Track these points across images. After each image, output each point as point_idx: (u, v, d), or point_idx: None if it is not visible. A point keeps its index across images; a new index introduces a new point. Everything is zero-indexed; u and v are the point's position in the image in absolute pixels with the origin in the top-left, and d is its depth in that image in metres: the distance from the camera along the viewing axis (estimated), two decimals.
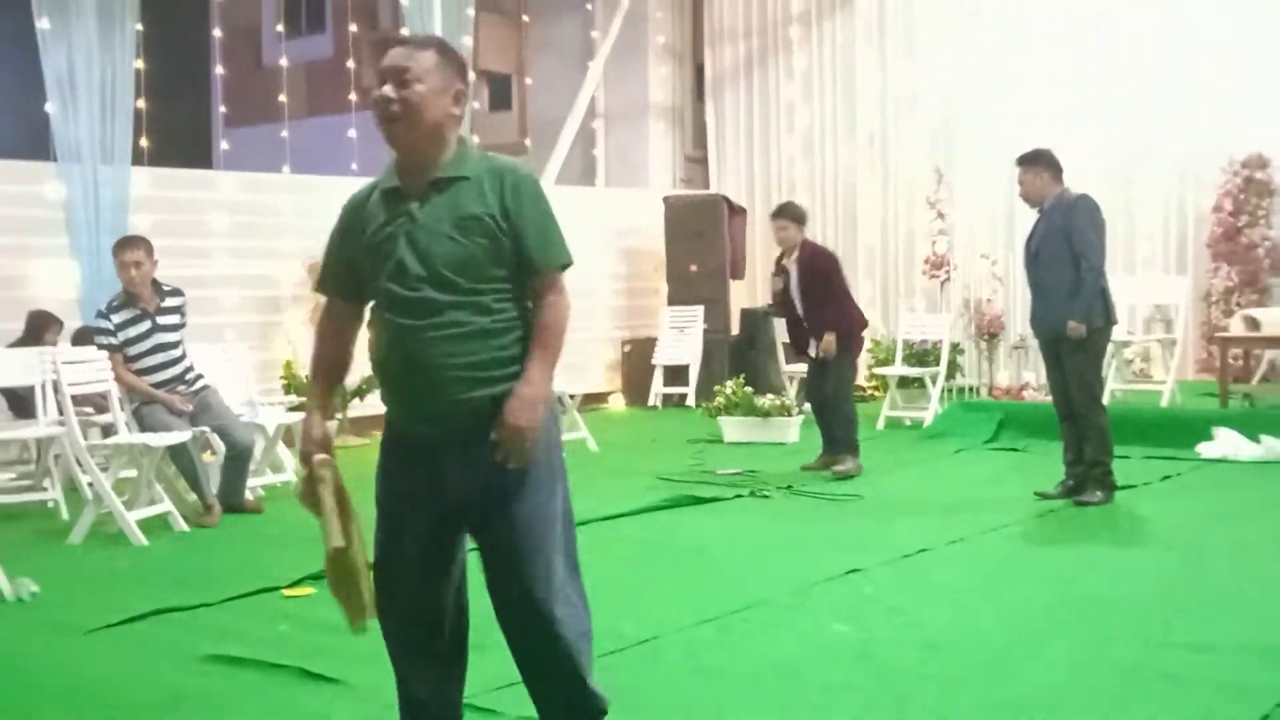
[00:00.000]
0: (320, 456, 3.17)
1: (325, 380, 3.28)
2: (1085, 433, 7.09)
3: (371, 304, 3.12)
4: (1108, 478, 7.10)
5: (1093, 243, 6.92)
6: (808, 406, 10.86)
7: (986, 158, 12.11)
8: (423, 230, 2.98)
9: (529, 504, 3.07)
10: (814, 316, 8.35)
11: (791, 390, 10.84)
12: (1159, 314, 10.64)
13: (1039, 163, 7.11)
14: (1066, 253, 6.91)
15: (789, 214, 8.58)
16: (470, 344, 2.97)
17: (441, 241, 2.97)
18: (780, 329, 11.98)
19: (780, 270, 8.55)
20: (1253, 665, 4.14)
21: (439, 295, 2.95)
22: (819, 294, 8.32)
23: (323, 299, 3.28)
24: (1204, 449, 8.63)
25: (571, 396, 10.09)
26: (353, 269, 3.13)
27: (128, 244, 7.32)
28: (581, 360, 12.35)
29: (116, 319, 7.17)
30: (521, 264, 3.04)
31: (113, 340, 7.15)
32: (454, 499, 3.06)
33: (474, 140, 3.14)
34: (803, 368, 11.37)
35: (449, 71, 3.05)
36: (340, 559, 3.08)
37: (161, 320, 7.23)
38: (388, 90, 2.99)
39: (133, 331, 7.17)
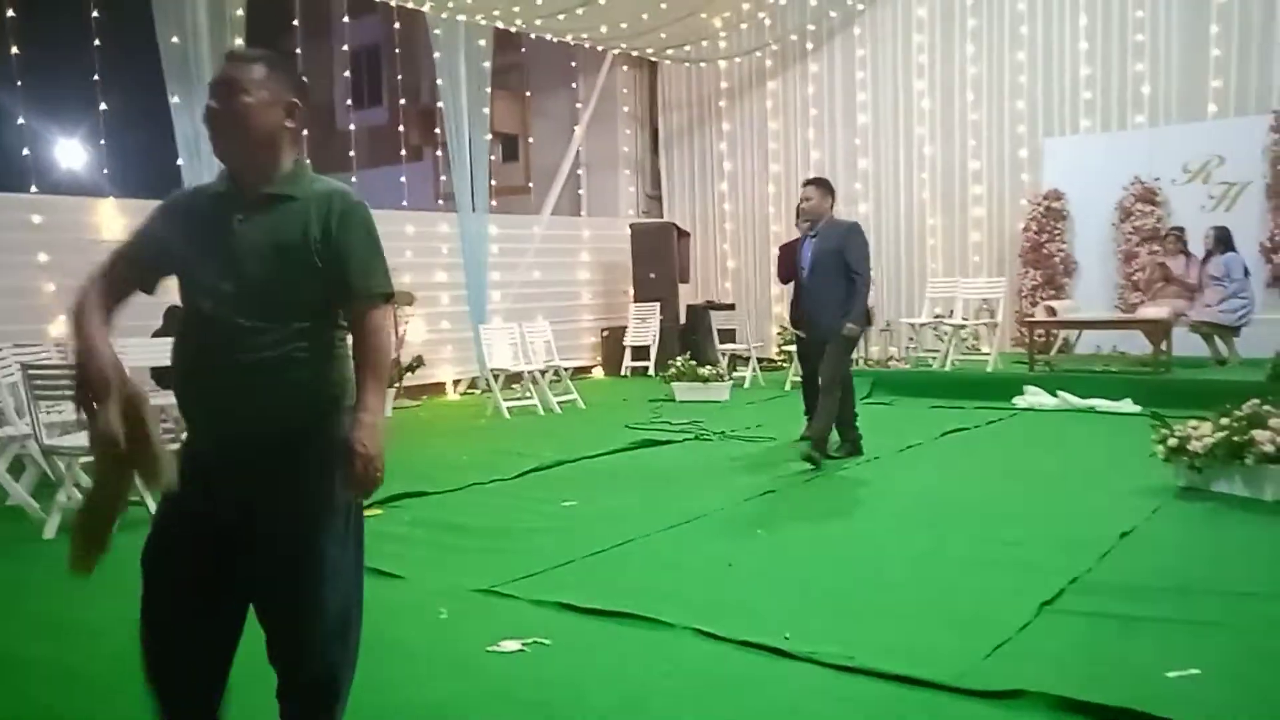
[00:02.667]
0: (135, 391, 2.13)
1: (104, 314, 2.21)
2: (827, 405, 6.37)
3: (181, 314, 2.29)
4: (854, 436, 6.59)
5: (865, 263, 6.27)
6: (738, 373, 10.94)
7: (859, 195, 12.23)
8: (241, 248, 2.17)
9: (305, 540, 2.19)
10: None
11: (724, 363, 10.81)
12: (985, 305, 10.71)
13: (824, 185, 6.41)
14: (840, 268, 6.21)
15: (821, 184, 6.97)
16: (276, 369, 2.15)
17: (257, 262, 2.16)
18: (715, 318, 12.05)
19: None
20: (1053, 554, 4.18)
21: (247, 318, 2.14)
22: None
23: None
24: (1018, 401, 8.71)
25: (566, 368, 10.09)
26: (153, 260, 2.27)
27: None
28: (572, 343, 12.34)
29: None
30: (341, 291, 2.22)
31: None
32: (231, 523, 2.19)
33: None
34: (732, 346, 11.47)
35: (279, 84, 2.24)
36: (102, 501, 2.25)
37: None
38: (212, 103, 2.20)
39: None
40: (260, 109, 2.20)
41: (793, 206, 12.86)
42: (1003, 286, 10.55)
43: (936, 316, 10.75)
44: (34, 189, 8.56)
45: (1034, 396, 8.68)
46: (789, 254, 7.24)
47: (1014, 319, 10.87)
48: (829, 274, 6.28)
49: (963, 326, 10.46)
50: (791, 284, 7.31)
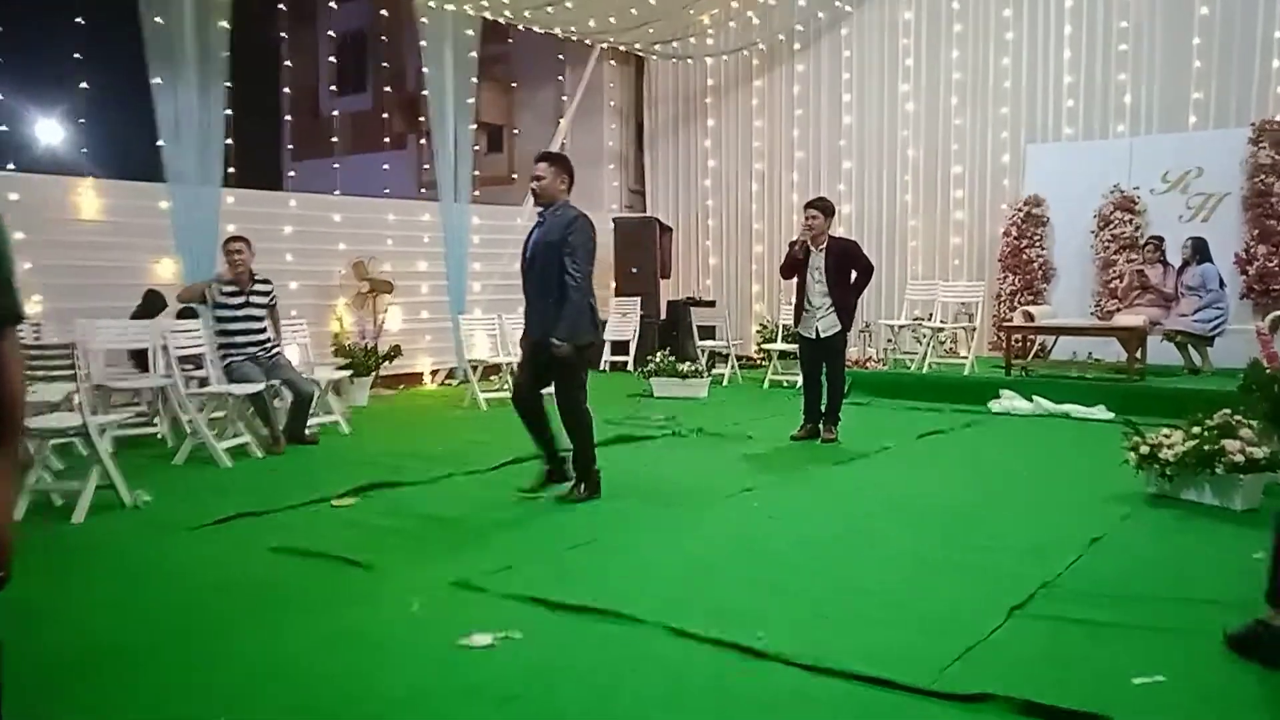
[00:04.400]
0: None
1: None
2: (570, 435, 5.40)
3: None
4: (593, 476, 5.45)
5: (584, 263, 5.19)
6: (717, 370, 10.93)
7: (843, 196, 12.23)
8: None
9: None
10: (837, 297, 7.12)
11: (703, 360, 10.83)
12: (964, 308, 10.78)
13: (560, 164, 5.37)
14: (558, 266, 5.17)
15: (820, 206, 7.13)
16: None
17: None
18: (696, 315, 12.04)
19: (804, 251, 7.12)
20: (1023, 559, 4.21)
21: None
22: (844, 279, 7.13)
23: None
24: (993, 405, 8.76)
25: None
26: None
27: (235, 239, 7.30)
28: None
29: (225, 289, 7.13)
30: None
31: (215, 289, 7.15)
32: None
33: None
34: (711, 343, 11.47)
35: None
36: None
37: (253, 299, 7.19)
38: None
39: (231, 301, 7.11)
40: None
41: (775, 205, 13.02)
42: (981, 291, 10.61)
43: (915, 319, 10.80)
44: (11, 166, 8.51)
45: (1009, 401, 8.73)
46: (793, 250, 7.21)
47: (992, 323, 10.94)
48: (548, 272, 5.20)
49: (941, 329, 10.51)
50: (795, 281, 7.32)
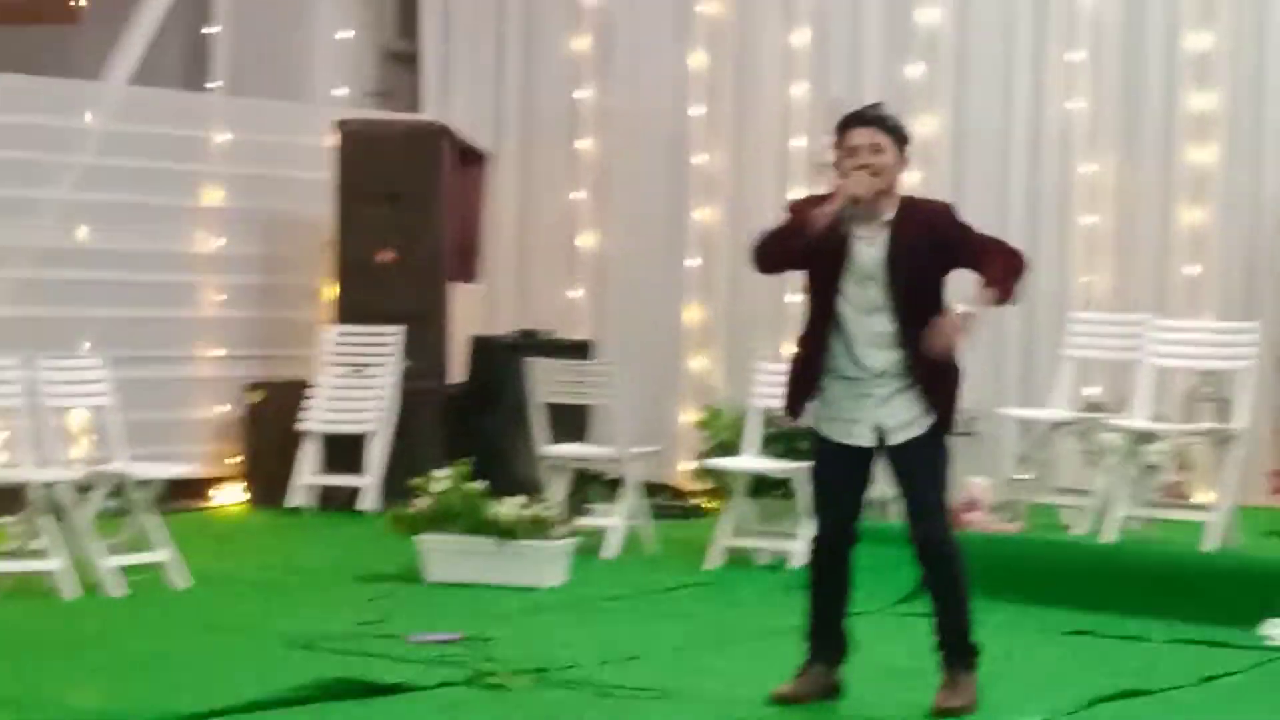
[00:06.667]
0: None
1: None
2: None
3: None
4: None
5: None
6: (592, 519, 10.89)
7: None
8: None
9: None
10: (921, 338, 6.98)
11: (557, 491, 10.78)
12: (1207, 383, 11.08)
13: None
14: None
15: (882, 123, 7.19)
16: None
17: None
18: (543, 376, 12.00)
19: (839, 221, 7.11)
20: None
21: None
22: (931, 297, 7.09)
23: None
24: (1268, 630, 8.91)
25: (145, 481, 9.83)
26: None
27: None
28: (164, 417, 12.09)
29: None
30: None
31: None
32: None
33: None
34: (580, 450, 11.45)
35: None
36: None
37: None
38: None
39: None
40: None
41: (747, 122, 13.18)
42: (1253, 341, 10.77)
43: (1088, 405, 10.97)
44: None
45: None
46: (804, 214, 6.96)
47: (1275, 428, 11.19)
48: None
49: (1153, 436, 10.63)
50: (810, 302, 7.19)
